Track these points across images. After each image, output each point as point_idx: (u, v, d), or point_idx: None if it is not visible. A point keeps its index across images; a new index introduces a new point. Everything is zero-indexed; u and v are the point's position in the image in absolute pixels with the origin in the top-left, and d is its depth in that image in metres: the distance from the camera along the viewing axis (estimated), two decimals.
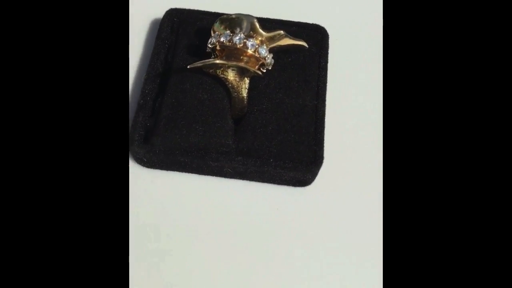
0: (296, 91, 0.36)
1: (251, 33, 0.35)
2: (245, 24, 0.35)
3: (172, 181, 0.35)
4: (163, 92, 0.36)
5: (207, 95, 0.35)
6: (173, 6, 0.40)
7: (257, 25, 0.35)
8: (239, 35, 0.34)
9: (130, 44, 0.40)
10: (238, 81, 0.35)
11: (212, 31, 0.36)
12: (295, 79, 0.37)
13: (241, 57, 0.34)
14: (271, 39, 0.35)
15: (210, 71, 0.35)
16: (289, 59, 0.38)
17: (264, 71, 0.35)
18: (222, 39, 0.34)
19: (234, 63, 0.34)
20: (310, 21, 0.40)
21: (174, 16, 0.40)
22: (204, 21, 0.39)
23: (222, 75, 0.35)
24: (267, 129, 0.35)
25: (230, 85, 0.35)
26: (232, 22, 0.35)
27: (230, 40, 0.34)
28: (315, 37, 0.39)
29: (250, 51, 0.34)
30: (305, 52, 0.38)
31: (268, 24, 0.39)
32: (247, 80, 0.35)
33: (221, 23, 0.35)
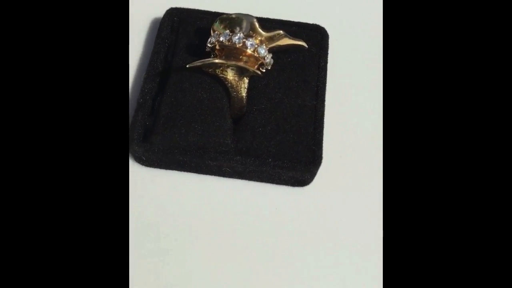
0: (295, 91, 0.36)
1: (250, 33, 0.35)
2: (244, 24, 0.35)
3: (170, 180, 0.35)
4: (163, 91, 0.36)
5: (206, 94, 0.35)
6: (173, 6, 0.40)
7: (257, 25, 0.35)
8: (238, 34, 0.34)
9: (130, 43, 0.40)
10: (237, 81, 0.35)
11: (211, 31, 0.36)
12: (295, 79, 0.37)
13: (241, 57, 0.34)
14: (271, 39, 0.35)
15: (210, 70, 0.35)
16: (289, 59, 0.38)
17: (264, 71, 0.36)
18: (221, 39, 0.34)
19: (233, 62, 0.34)
20: (310, 21, 0.40)
21: (174, 15, 0.40)
22: (204, 20, 0.39)
23: (221, 75, 0.35)
24: (266, 128, 0.35)
25: (229, 84, 0.35)
26: (231, 21, 0.35)
27: (230, 40, 0.34)
28: (315, 37, 0.39)
29: (249, 51, 0.34)
30: (305, 52, 0.38)
31: (268, 24, 0.39)
32: (246, 80, 0.35)
33: (221, 22, 0.35)
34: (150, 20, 0.42)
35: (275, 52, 0.36)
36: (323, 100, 0.37)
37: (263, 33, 0.35)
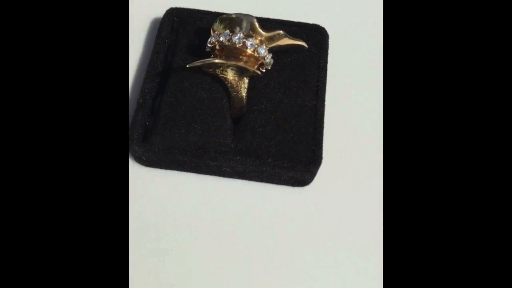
0: (295, 91, 0.36)
1: (250, 33, 0.35)
2: (244, 24, 0.35)
3: (170, 180, 0.35)
4: (163, 91, 0.36)
5: (206, 94, 0.35)
6: (173, 6, 0.40)
7: (257, 25, 0.35)
8: (238, 34, 0.34)
9: (131, 43, 0.40)
10: (237, 81, 0.35)
11: (211, 31, 0.36)
12: (295, 79, 0.37)
13: (240, 57, 0.34)
14: (271, 39, 0.35)
15: (210, 70, 0.35)
16: (289, 59, 0.38)
17: (264, 70, 0.36)
18: (221, 39, 0.34)
19: (233, 62, 0.34)
20: (310, 21, 0.40)
21: (174, 15, 0.40)
22: (204, 20, 0.39)
23: (221, 75, 0.35)
24: (266, 128, 0.35)
25: (229, 84, 0.35)
26: (231, 21, 0.35)
27: (230, 40, 0.34)
28: (315, 37, 0.39)
29: (249, 51, 0.34)
30: (305, 52, 0.38)
31: (268, 24, 0.39)
32: (246, 80, 0.35)
33: (221, 22, 0.35)
34: (150, 20, 0.42)
35: (275, 52, 0.36)
36: (323, 100, 0.37)
37: (263, 33, 0.35)
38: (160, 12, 0.40)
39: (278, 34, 0.35)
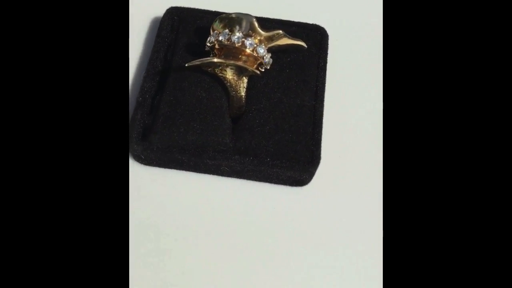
0: (294, 91, 0.36)
1: (250, 32, 0.35)
2: (244, 23, 0.35)
3: (169, 178, 0.35)
4: (162, 90, 0.36)
5: (205, 93, 0.35)
6: (174, 5, 0.40)
7: (256, 24, 0.35)
8: (237, 34, 0.34)
9: (131, 42, 0.40)
10: (236, 80, 0.35)
11: (211, 30, 0.36)
12: (294, 79, 0.37)
13: (240, 56, 0.34)
14: (270, 39, 0.35)
15: (209, 69, 0.35)
16: (288, 59, 0.38)
17: (263, 70, 0.36)
18: (220, 38, 0.34)
19: (232, 62, 0.34)
20: (310, 21, 0.40)
21: (174, 14, 0.40)
22: (204, 19, 0.39)
23: (220, 74, 0.35)
24: (264, 128, 0.35)
25: (228, 84, 0.35)
26: (231, 21, 0.35)
27: (229, 39, 0.34)
28: (315, 37, 0.39)
29: (248, 50, 0.34)
30: (304, 52, 0.38)
31: (268, 23, 0.39)
32: (245, 79, 0.35)
33: (220, 21, 0.35)
34: (150, 19, 0.42)
35: (275, 51, 0.36)
36: (322, 100, 0.37)
37: (262, 32, 0.35)
38: (160, 11, 0.41)
39: (278, 33, 0.35)
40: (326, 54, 0.39)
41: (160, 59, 0.38)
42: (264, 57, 0.35)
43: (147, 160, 0.35)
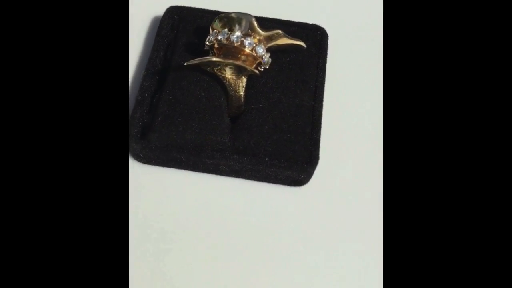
0: (293, 90, 0.36)
1: (249, 32, 0.35)
2: (243, 23, 0.35)
3: (168, 177, 0.35)
4: (161, 89, 0.36)
5: (204, 92, 0.35)
6: (174, 4, 0.41)
7: (255, 24, 0.35)
8: (236, 33, 0.34)
9: (131, 41, 0.40)
10: (236, 80, 0.35)
11: (210, 29, 0.36)
12: (293, 79, 0.37)
13: (239, 56, 0.34)
14: (269, 38, 0.35)
15: (208, 69, 0.35)
16: (288, 59, 0.38)
17: (262, 70, 0.36)
18: (219, 37, 0.34)
19: (231, 61, 0.34)
20: (310, 22, 0.40)
21: (175, 13, 0.40)
22: (204, 19, 0.39)
23: (219, 73, 0.35)
24: (263, 128, 0.35)
25: (227, 83, 0.35)
26: (230, 20, 0.35)
27: (228, 39, 0.34)
28: (315, 37, 0.39)
29: (247, 50, 0.34)
30: (304, 52, 0.38)
31: (268, 23, 0.39)
32: (244, 79, 0.35)
33: (220, 21, 0.35)
34: (150, 18, 0.42)
35: (274, 51, 0.36)
36: (321, 100, 0.37)
37: (261, 32, 0.35)
38: (160, 10, 0.41)
39: (277, 33, 0.35)
40: (326, 54, 0.39)
41: (160, 58, 0.38)
42: (263, 57, 0.35)
43: (146, 158, 0.35)
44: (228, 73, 0.35)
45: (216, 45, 0.35)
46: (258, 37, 0.35)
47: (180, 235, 0.33)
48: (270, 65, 0.36)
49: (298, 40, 0.36)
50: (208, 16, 0.39)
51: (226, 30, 0.35)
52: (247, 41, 0.34)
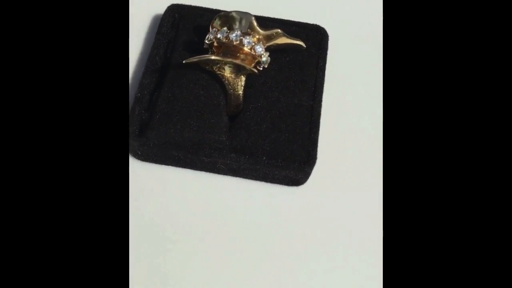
0: (292, 90, 0.36)
1: (248, 31, 0.35)
2: (242, 22, 0.35)
3: (166, 175, 0.35)
4: (160, 86, 0.36)
5: (203, 91, 0.35)
6: (175, 2, 0.41)
7: (255, 23, 0.35)
8: (236, 32, 0.34)
9: (132, 39, 0.40)
10: (234, 78, 0.35)
11: (210, 27, 0.36)
12: (292, 79, 0.37)
13: (238, 55, 0.34)
14: (268, 38, 0.35)
15: (207, 67, 0.35)
16: (287, 59, 0.38)
17: (260, 69, 0.36)
18: (219, 36, 0.34)
19: (230, 60, 0.34)
20: (311, 22, 0.40)
21: (175, 11, 0.40)
22: (204, 17, 0.39)
23: (218, 72, 0.35)
24: (261, 127, 0.35)
25: (226, 82, 0.35)
26: (229, 19, 0.35)
27: (227, 37, 0.34)
28: (315, 37, 0.39)
29: (246, 49, 0.34)
30: (304, 52, 0.38)
31: (269, 23, 0.39)
32: (243, 78, 0.35)
33: (219, 19, 0.35)
34: (151, 16, 0.42)
35: (273, 51, 0.36)
36: (320, 100, 0.37)
37: (261, 31, 0.35)
38: (161, 8, 0.41)
39: (276, 32, 0.35)
40: (326, 54, 0.39)
41: (160, 55, 0.38)
42: (262, 56, 0.35)
43: (144, 156, 0.35)
44: (227, 72, 0.35)
45: (215, 44, 0.35)
46: (257, 36, 0.35)
47: (176, 233, 0.33)
48: (270, 64, 0.36)
49: (297, 40, 0.36)
50: (208, 15, 0.39)
51: (225, 28, 0.35)
52: (246, 40, 0.34)
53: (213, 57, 0.34)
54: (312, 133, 0.35)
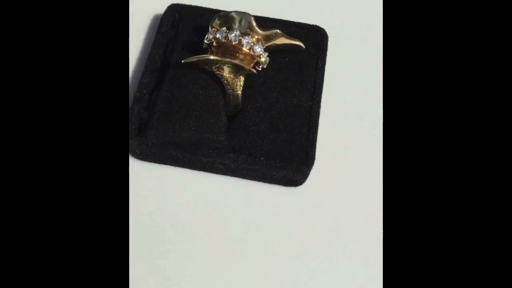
0: (291, 91, 0.36)
1: (247, 31, 0.35)
2: (242, 22, 0.35)
3: (164, 174, 0.35)
4: (160, 86, 0.36)
5: (202, 91, 0.35)
6: (175, 2, 0.41)
7: (254, 23, 0.35)
8: (235, 32, 0.34)
9: (132, 38, 0.41)
10: (233, 78, 0.35)
11: (209, 27, 0.36)
12: (291, 79, 0.37)
13: (237, 55, 0.34)
14: (268, 38, 0.35)
15: (206, 67, 0.35)
16: (287, 59, 0.38)
17: (259, 69, 0.36)
18: (218, 36, 0.34)
19: (228, 60, 0.34)
20: (311, 22, 0.40)
21: (175, 11, 0.40)
22: (204, 17, 0.39)
23: (217, 72, 0.35)
24: (260, 127, 0.35)
25: (225, 82, 0.35)
26: (229, 19, 0.35)
27: (226, 37, 0.34)
28: (314, 38, 0.39)
29: (245, 49, 0.34)
30: (303, 52, 0.38)
31: (268, 23, 0.39)
32: (242, 78, 0.35)
33: (218, 19, 0.35)
34: (151, 16, 0.42)
35: (272, 51, 0.36)
36: (319, 101, 0.37)
37: (260, 31, 0.35)
38: (161, 8, 0.41)
39: (275, 33, 0.35)
40: (325, 55, 0.39)
41: (160, 55, 0.38)
42: (261, 56, 0.35)
43: (143, 155, 0.35)
44: (226, 72, 0.35)
45: (214, 44, 0.35)
46: (256, 37, 0.35)
47: (175, 233, 0.33)
48: (269, 64, 0.36)
49: (296, 40, 0.36)
50: (208, 15, 0.39)
51: (224, 28, 0.35)
52: (245, 40, 0.34)
53: (211, 57, 0.34)
54: (311, 134, 0.35)
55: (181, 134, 0.34)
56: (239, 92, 0.35)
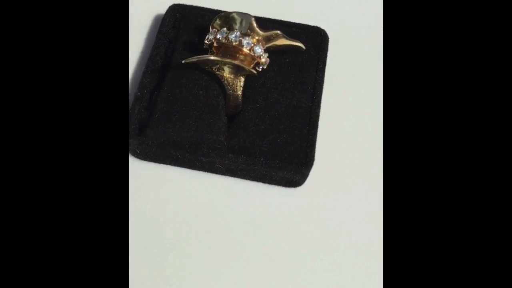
0: (291, 92, 0.36)
1: (248, 32, 0.35)
2: (242, 23, 0.35)
3: (164, 174, 0.35)
4: (160, 86, 0.37)
5: (202, 91, 0.36)
6: (176, 2, 0.41)
7: (255, 24, 0.35)
8: (235, 33, 0.34)
9: (133, 38, 0.41)
10: (233, 79, 0.35)
11: (210, 28, 0.36)
12: (291, 80, 0.37)
13: (237, 55, 0.34)
14: (268, 39, 0.35)
15: (206, 67, 0.35)
16: (287, 60, 0.38)
17: (259, 70, 0.36)
18: (218, 36, 0.35)
19: (229, 60, 0.34)
20: (312, 23, 0.40)
21: (177, 11, 0.40)
22: (206, 18, 0.39)
23: (218, 72, 0.35)
24: (259, 127, 0.35)
25: (225, 82, 0.35)
26: (229, 19, 0.35)
27: (227, 38, 0.34)
28: (315, 39, 0.39)
29: (245, 49, 0.34)
30: (304, 53, 0.38)
31: (269, 24, 0.39)
32: (242, 78, 0.35)
33: (219, 20, 0.36)
34: (153, 16, 0.42)
35: (273, 52, 0.36)
36: (319, 102, 0.37)
37: (260, 32, 0.35)
38: (163, 8, 0.41)
39: (276, 34, 0.35)
40: (326, 56, 0.39)
41: (161, 55, 0.38)
42: (261, 57, 0.35)
43: (143, 154, 0.35)
44: (226, 72, 0.35)
45: (215, 44, 0.35)
46: (256, 37, 0.35)
47: (174, 232, 0.33)
48: (269, 65, 0.36)
49: (296, 41, 0.36)
50: (209, 15, 0.39)
51: (225, 29, 0.35)
52: (245, 41, 0.34)
53: (212, 58, 0.34)
54: (310, 135, 0.35)
55: (181, 134, 0.34)
56: (239, 92, 0.35)
